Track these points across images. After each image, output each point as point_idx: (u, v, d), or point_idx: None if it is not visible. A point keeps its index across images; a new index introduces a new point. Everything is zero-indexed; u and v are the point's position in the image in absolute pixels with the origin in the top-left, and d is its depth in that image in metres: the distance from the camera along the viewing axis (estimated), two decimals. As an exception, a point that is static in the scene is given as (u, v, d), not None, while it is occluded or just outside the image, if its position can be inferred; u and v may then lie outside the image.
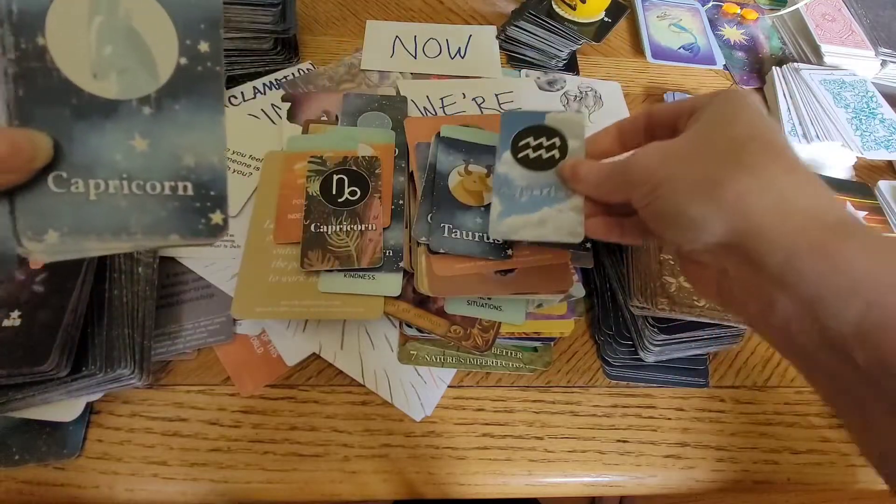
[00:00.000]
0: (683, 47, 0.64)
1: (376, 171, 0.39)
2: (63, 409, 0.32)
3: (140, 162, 0.21)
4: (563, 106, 0.55)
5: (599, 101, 0.56)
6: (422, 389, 0.38)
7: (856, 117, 0.56)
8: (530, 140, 0.33)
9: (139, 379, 0.32)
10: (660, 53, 0.63)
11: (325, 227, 0.36)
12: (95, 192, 0.20)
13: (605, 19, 0.60)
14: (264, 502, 0.34)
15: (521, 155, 0.33)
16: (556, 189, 0.32)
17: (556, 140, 0.33)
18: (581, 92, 0.56)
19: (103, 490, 0.32)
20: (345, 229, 0.37)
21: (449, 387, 0.38)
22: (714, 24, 0.69)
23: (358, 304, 0.36)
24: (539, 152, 0.33)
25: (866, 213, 0.50)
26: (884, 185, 0.54)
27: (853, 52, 0.63)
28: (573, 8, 0.58)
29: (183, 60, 0.21)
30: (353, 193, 0.38)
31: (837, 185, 0.51)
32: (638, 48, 0.64)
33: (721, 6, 0.71)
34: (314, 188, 0.38)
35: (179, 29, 0.21)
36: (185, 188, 0.22)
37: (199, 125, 0.22)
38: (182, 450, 0.34)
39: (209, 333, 0.37)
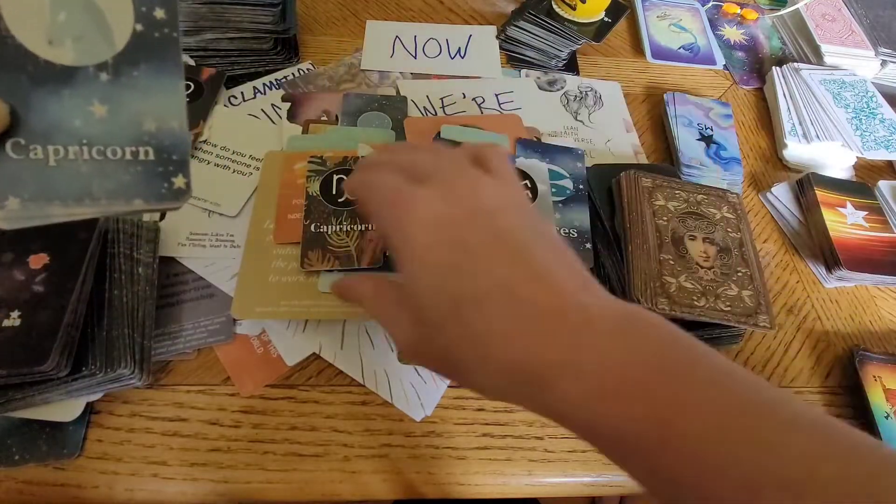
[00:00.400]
0: (683, 47, 0.64)
1: (376, 171, 0.39)
2: (63, 409, 0.32)
3: (99, 128, 0.21)
4: (563, 106, 0.55)
5: (599, 102, 0.56)
6: (422, 389, 0.38)
7: (856, 117, 0.56)
8: None
9: (139, 379, 0.32)
10: (660, 53, 0.63)
11: (325, 227, 0.36)
12: (55, 157, 0.20)
13: (605, 19, 0.60)
14: (264, 502, 0.34)
15: None
16: None
17: (527, 182, 0.37)
18: (581, 92, 0.56)
19: (103, 490, 0.32)
20: (345, 229, 0.37)
21: (449, 387, 0.38)
22: (714, 24, 0.69)
23: (358, 304, 0.36)
24: None
25: (866, 212, 0.50)
26: (884, 185, 0.54)
27: (853, 52, 0.63)
28: (573, 8, 0.58)
29: (139, 27, 0.21)
30: (353, 193, 0.38)
31: (837, 185, 0.51)
32: (638, 48, 0.64)
33: (721, 6, 0.71)
34: (314, 188, 0.38)
35: None
36: (146, 153, 0.22)
37: (159, 90, 0.22)
38: (182, 450, 0.34)
39: (209, 333, 0.37)
